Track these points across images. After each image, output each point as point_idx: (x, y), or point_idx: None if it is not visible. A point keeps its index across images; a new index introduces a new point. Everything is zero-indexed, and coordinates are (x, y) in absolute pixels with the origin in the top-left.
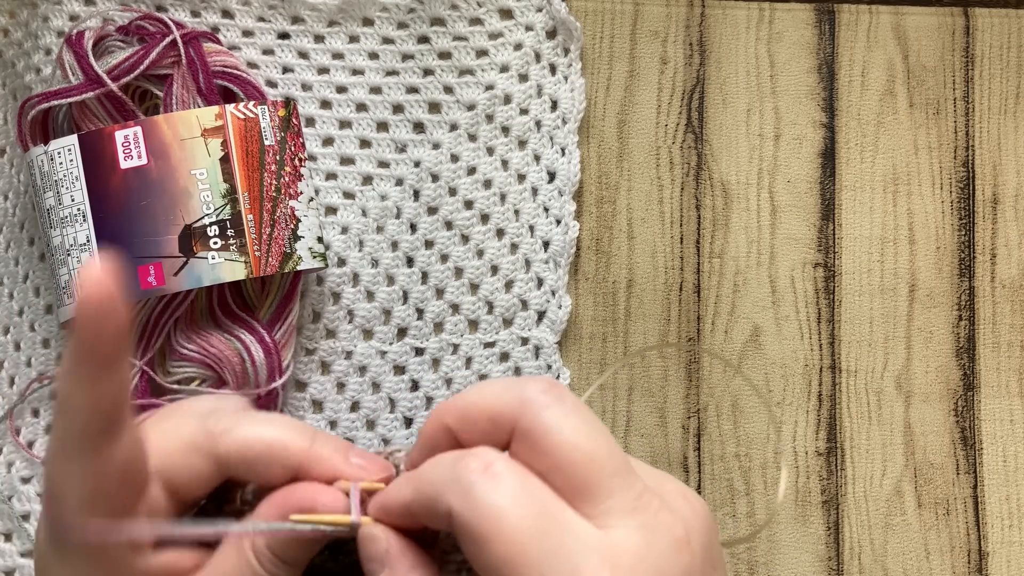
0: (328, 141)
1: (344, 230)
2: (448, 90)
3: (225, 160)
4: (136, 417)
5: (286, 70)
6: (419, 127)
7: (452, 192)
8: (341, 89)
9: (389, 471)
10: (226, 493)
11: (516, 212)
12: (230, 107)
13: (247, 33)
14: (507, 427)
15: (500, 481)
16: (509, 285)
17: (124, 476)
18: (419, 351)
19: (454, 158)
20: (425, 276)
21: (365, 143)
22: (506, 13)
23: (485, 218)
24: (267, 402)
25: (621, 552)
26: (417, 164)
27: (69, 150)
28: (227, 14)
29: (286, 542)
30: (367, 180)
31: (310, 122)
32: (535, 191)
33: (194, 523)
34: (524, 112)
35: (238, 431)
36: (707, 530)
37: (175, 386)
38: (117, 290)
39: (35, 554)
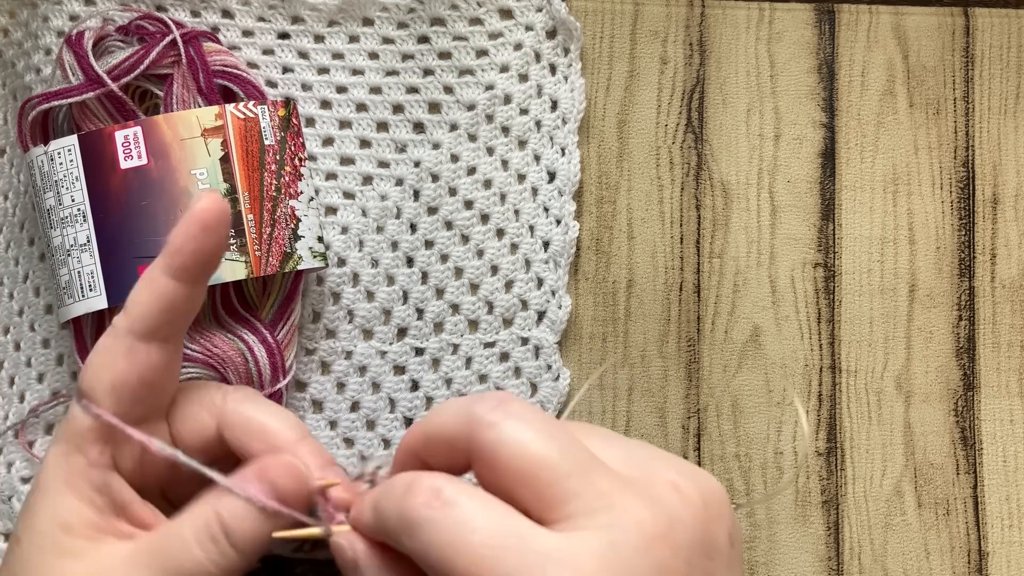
0: (328, 141)
1: (344, 230)
2: (448, 90)
3: (225, 160)
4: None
5: (286, 70)
6: (419, 127)
7: (452, 192)
8: (341, 89)
9: (352, 499)
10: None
11: (516, 212)
12: (230, 107)
13: (247, 33)
14: (463, 449)
15: (449, 509)
16: (509, 285)
17: (154, 382)
18: (419, 351)
19: (454, 158)
20: (425, 276)
21: (365, 143)
22: (506, 13)
23: (485, 218)
24: None
25: (583, 557)
26: (417, 164)
27: (69, 150)
28: (227, 14)
29: (241, 517)
30: (367, 180)
31: (310, 122)
32: (535, 191)
33: (182, 456)
34: (524, 112)
35: (246, 405)
36: (701, 520)
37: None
38: (227, 217)
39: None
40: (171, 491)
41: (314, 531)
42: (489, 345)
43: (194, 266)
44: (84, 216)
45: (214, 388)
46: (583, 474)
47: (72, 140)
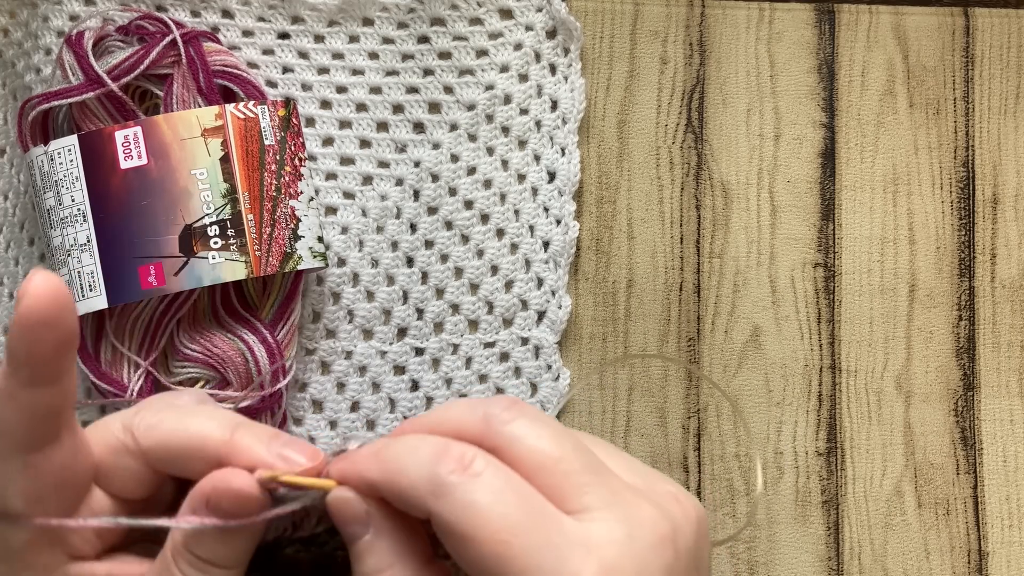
0: (328, 141)
1: (344, 230)
2: (448, 90)
3: (225, 160)
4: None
5: (286, 70)
6: (419, 127)
7: (452, 192)
8: (341, 89)
9: (317, 458)
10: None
11: (516, 212)
12: (230, 107)
13: (247, 33)
14: (473, 444)
15: (481, 479)
16: (509, 285)
17: (63, 478)
18: (419, 351)
19: (454, 158)
20: (425, 276)
21: (365, 143)
22: (506, 13)
23: (485, 218)
24: (271, 402)
25: (604, 544)
26: (417, 164)
27: (69, 150)
28: (227, 14)
29: (211, 543)
30: (367, 180)
31: (310, 122)
32: (535, 191)
33: (123, 520)
34: (524, 112)
35: (159, 428)
36: (696, 534)
37: (179, 387)
38: (59, 304)
39: None
40: (145, 535)
41: (327, 482)
42: (489, 345)
43: (51, 365)
44: (84, 216)
45: (120, 432)
46: (596, 472)
47: (72, 140)
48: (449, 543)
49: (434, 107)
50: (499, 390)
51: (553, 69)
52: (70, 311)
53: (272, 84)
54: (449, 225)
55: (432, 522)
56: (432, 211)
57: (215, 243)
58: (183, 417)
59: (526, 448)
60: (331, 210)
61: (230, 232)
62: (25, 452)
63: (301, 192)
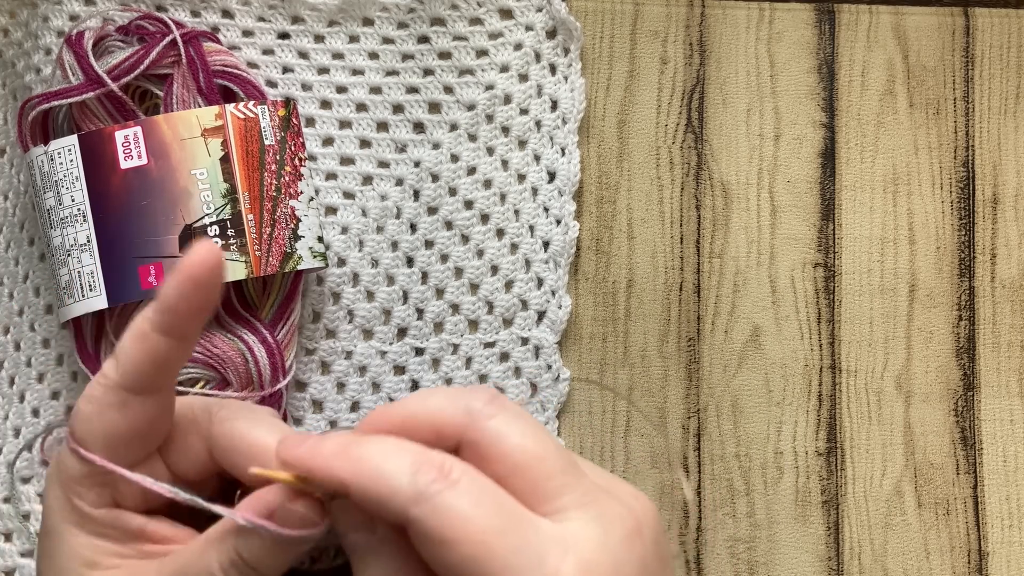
0: (328, 141)
1: (344, 230)
2: (448, 90)
3: (225, 160)
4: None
5: (286, 70)
6: (419, 127)
7: (452, 192)
8: (341, 89)
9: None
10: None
11: (516, 212)
12: (230, 107)
13: (247, 33)
14: (452, 438)
15: (459, 485)
16: (509, 285)
17: (145, 434)
18: (419, 351)
19: (454, 158)
20: (425, 276)
21: (365, 143)
22: (506, 13)
23: (485, 218)
24: (271, 402)
25: (580, 542)
26: (417, 164)
27: (69, 150)
28: (227, 14)
29: (258, 549)
30: (367, 180)
31: (310, 122)
32: (535, 191)
33: (182, 493)
34: (524, 112)
35: (233, 422)
36: (657, 527)
37: (179, 387)
38: (220, 272)
39: (44, 490)
40: (178, 507)
41: (284, 476)
42: (489, 345)
43: (187, 323)
44: (84, 216)
45: (200, 410)
46: (572, 472)
47: (72, 140)
48: (426, 549)
49: (434, 107)
50: (500, 390)
51: (553, 69)
52: (220, 282)
53: (272, 84)
54: (449, 225)
55: (409, 528)
56: (432, 211)
57: (215, 243)
58: (256, 423)
59: (509, 447)
60: (331, 210)
61: (230, 232)
62: (131, 394)
63: (301, 192)
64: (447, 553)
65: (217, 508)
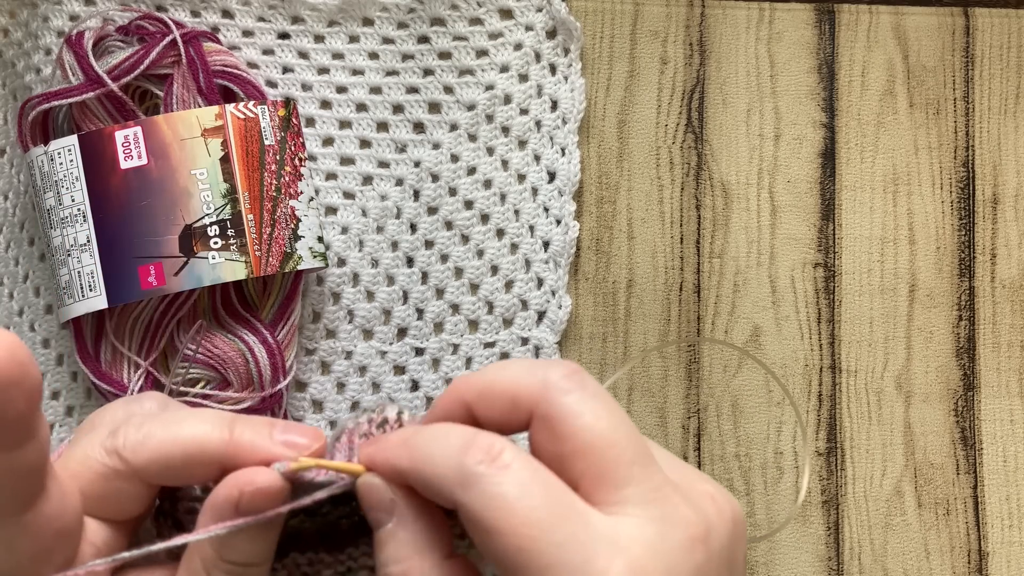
0: (328, 141)
1: (344, 230)
2: (448, 90)
3: (225, 160)
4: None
5: (286, 70)
6: (419, 127)
7: (452, 192)
8: (341, 89)
9: (320, 440)
10: (175, 490)
11: (516, 212)
12: (230, 107)
13: (247, 33)
14: (527, 409)
15: (508, 472)
16: (509, 285)
17: (60, 526)
18: (419, 351)
19: (454, 158)
20: (425, 276)
21: (365, 143)
22: (506, 13)
23: (485, 218)
24: (271, 403)
25: (633, 542)
26: (417, 164)
27: (69, 150)
28: (227, 14)
29: (237, 544)
30: (367, 180)
31: (310, 122)
32: (535, 191)
33: (140, 545)
34: (524, 112)
35: (149, 442)
36: (730, 535)
37: (179, 387)
38: (21, 359)
39: None
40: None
41: (355, 467)
42: (489, 345)
43: (15, 430)
44: (84, 216)
45: (100, 452)
46: (644, 464)
47: (72, 140)
48: (475, 535)
49: (434, 107)
50: None
51: (553, 69)
52: (32, 364)
53: (272, 84)
54: (449, 225)
55: (459, 513)
56: (432, 211)
57: (215, 243)
58: (171, 426)
59: (581, 425)
60: (331, 210)
61: (230, 232)
62: (18, 514)
63: (301, 192)
64: (492, 542)
65: (189, 537)
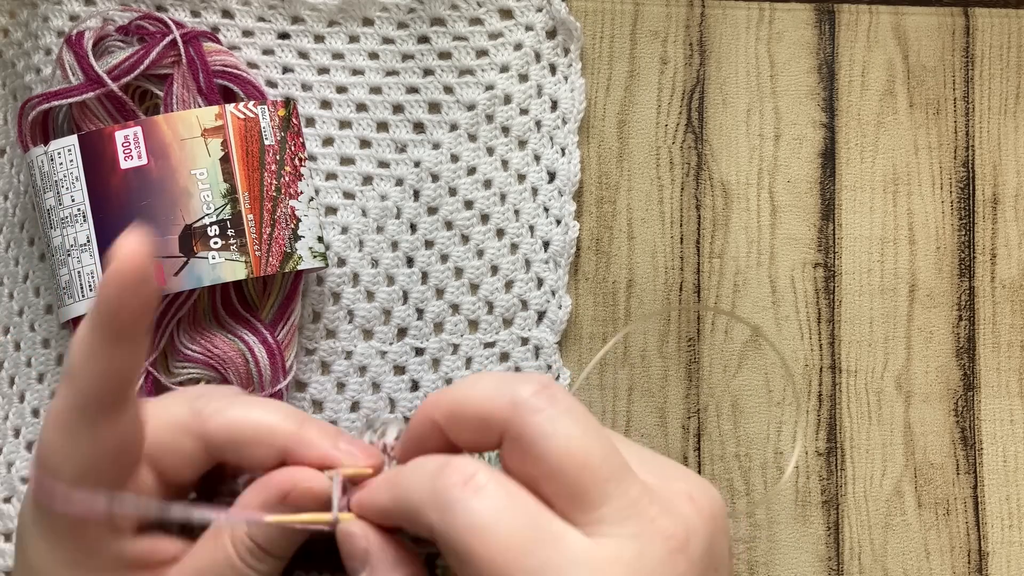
0: (328, 141)
1: (344, 230)
2: (448, 90)
3: (225, 160)
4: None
5: (286, 70)
6: (419, 127)
7: (452, 192)
8: (341, 89)
9: (378, 460)
10: (218, 485)
11: (516, 212)
12: (230, 107)
13: (247, 33)
14: (497, 429)
15: (482, 495)
16: (509, 285)
17: (120, 453)
18: (419, 351)
19: (454, 158)
20: (425, 276)
21: (365, 143)
22: (506, 13)
23: (485, 218)
24: None
25: (611, 564)
26: (417, 164)
27: (69, 150)
28: (227, 14)
29: (271, 532)
30: (367, 180)
31: (310, 122)
32: (535, 191)
33: (177, 507)
34: (524, 112)
35: (227, 412)
36: (711, 532)
37: (179, 387)
38: (149, 265)
39: (16, 530)
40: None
41: (323, 516)
42: (489, 345)
43: (132, 326)
44: (84, 216)
45: (183, 408)
46: (619, 480)
47: (72, 140)
48: (452, 560)
49: (434, 107)
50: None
51: (553, 69)
52: (151, 274)
53: (272, 84)
54: (449, 225)
55: (435, 539)
56: (432, 211)
57: (215, 243)
58: (250, 407)
59: (551, 447)
60: (331, 210)
61: (230, 232)
62: (95, 415)
63: (301, 192)
64: (469, 567)
65: (244, 516)
